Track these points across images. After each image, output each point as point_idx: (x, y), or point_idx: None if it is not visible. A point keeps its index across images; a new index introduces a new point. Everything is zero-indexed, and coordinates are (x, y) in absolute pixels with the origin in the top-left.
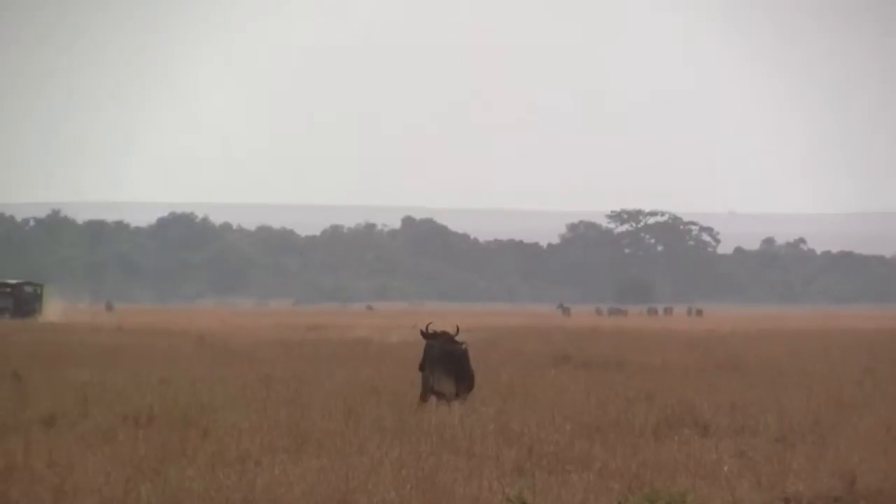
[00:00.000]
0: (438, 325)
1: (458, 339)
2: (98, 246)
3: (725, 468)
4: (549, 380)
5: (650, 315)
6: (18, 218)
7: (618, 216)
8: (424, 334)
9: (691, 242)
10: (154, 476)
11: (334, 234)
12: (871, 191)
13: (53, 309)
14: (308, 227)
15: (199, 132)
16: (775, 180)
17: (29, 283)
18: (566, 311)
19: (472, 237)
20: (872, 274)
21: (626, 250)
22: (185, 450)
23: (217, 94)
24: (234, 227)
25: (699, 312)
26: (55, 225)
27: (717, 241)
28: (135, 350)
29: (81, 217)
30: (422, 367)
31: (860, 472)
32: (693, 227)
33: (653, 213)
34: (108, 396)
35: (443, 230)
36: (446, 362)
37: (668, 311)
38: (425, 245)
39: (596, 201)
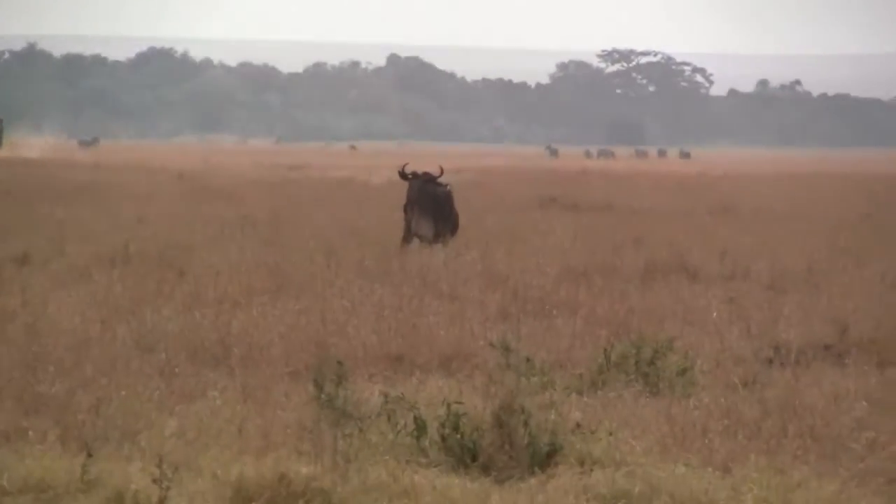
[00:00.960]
0: (422, 167)
1: (441, 180)
2: (75, 81)
3: (715, 315)
4: (535, 223)
5: (640, 157)
6: None
7: (609, 56)
8: (402, 175)
9: (684, 84)
10: (130, 316)
11: (317, 72)
12: (869, 32)
13: (23, 143)
14: (291, 64)
15: None
16: (770, 21)
17: None
18: (554, 152)
19: (459, 76)
20: (870, 117)
21: (617, 91)
22: (162, 290)
23: None
24: (215, 63)
25: (686, 155)
26: (30, 58)
27: (711, 83)
28: (111, 187)
29: (58, 51)
30: (406, 209)
31: (853, 321)
32: (686, 68)
33: (645, 53)
34: (84, 235)
35: (429, 68)
36: (426, 204)
37: (661, 153)
38: (411, 83)
39: (587, 41)
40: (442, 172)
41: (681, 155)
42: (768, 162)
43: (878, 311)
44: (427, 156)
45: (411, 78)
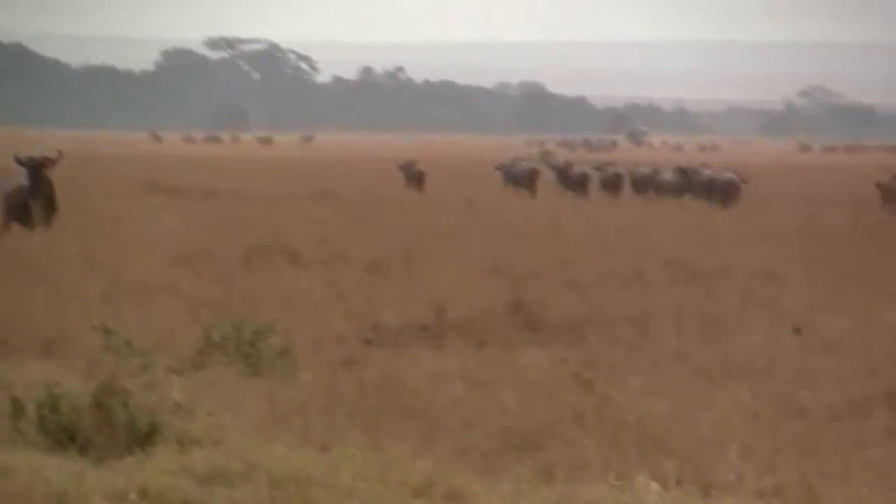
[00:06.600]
0: (24, 151)
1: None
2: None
3: (316, 296)
4: (139, 209)
5: (263, 143)
6: None
7: (214, 43)
8: (18, 160)
9: (289, 71)
10: None
11: None
12: (472, 21)
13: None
14: None
15: None
16: (374, 9)
17: None
18: (158, 138)
19: (63, 62)
20: (472, 104)
21: (222, 77)
22: None
23: None
24: None
25: (309, 139)
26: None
27: (316, 70)
28: None
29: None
30: (7, 196)
31: (451, 303)
32: (291, 56)
33: (250, 41)
34: None
35: (32, 54)
36: (43, 188)
37: (265, 140)
38: (9, 69)
39: (192, 28)
40: (61, 155)
41: (302, 139)
42: (372, 147)
43: (475, 294)
44: (27, 141)
45: (10, 63)
